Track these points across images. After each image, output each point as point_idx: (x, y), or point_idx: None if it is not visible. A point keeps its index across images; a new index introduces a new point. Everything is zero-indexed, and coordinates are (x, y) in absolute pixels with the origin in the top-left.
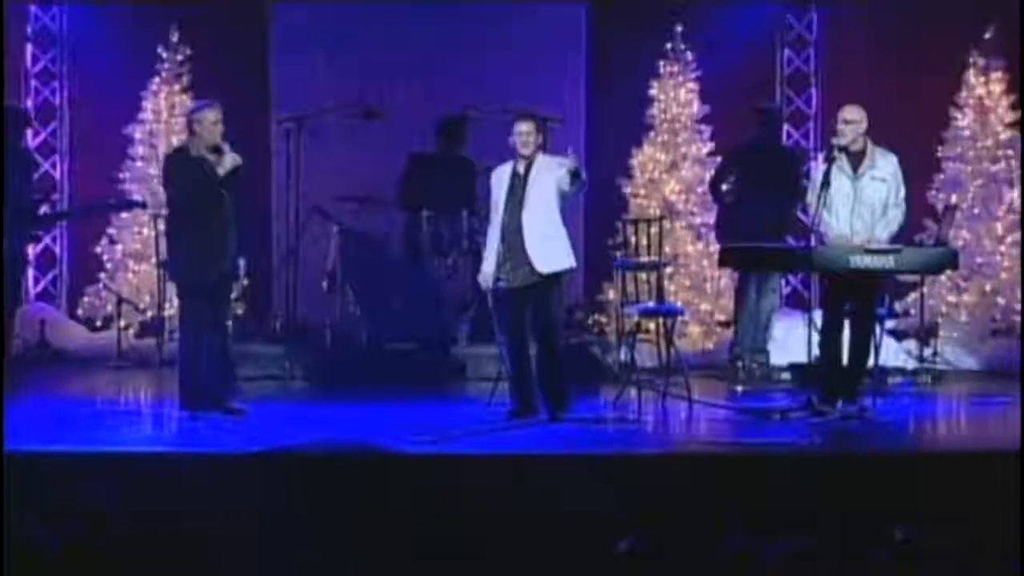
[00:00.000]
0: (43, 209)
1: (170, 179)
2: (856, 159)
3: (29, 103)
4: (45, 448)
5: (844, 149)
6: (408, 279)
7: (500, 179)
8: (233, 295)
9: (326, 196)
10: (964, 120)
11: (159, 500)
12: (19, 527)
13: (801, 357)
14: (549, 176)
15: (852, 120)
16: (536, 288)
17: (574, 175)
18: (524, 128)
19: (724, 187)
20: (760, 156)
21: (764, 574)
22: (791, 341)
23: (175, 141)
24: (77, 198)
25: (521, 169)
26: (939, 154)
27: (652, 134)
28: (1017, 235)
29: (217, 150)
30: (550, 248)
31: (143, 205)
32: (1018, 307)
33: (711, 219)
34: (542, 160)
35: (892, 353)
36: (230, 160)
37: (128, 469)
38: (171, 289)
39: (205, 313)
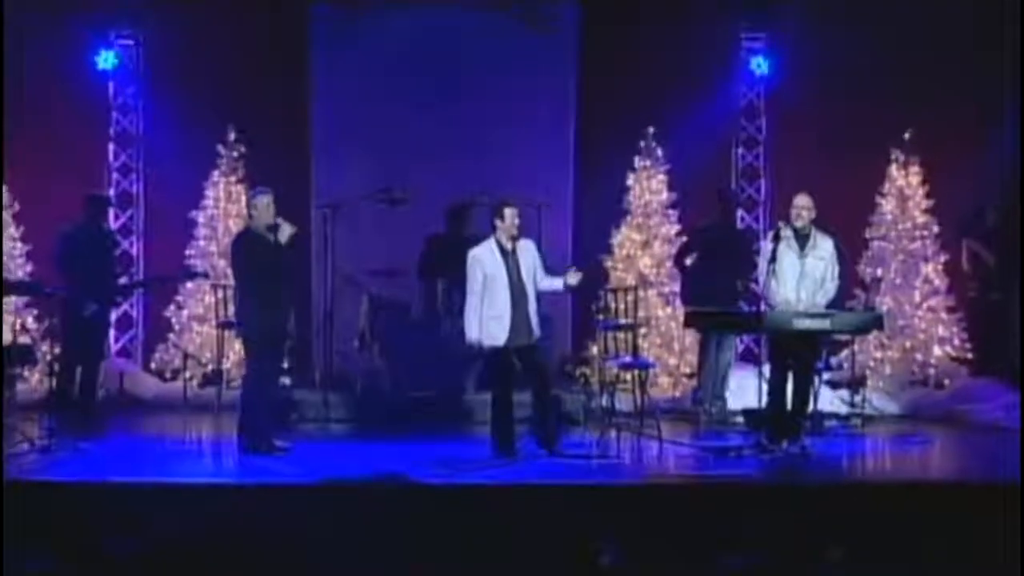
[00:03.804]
0: (123, 280)
1: (238, 255)
2: (802, 240)
3: (111, 192)
4: (125, 479)
5: (796, 231)
6: (426, 338)
7: (492, 257)
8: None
9: (357, 269)
10: (887, 206)
11: (218, 523)
12: (101, 545)
13: (753, 403)
14: (532, 257)
15: (808, 207)
16: (533, 347)
17: (571, 287)
18: (515, 212)
19: (688, 261)
20: (718, 235)
21: None
22: (744, 390)
23: (232, 224)
24: (151, 271)
25: (508, 247)
26: (867, 234)
27: (629, 217)
28: (932, 302)
29: (273, 228)
30: (538, 318)
31: (205, 275)
32: (933, 362)
33: (678, 288)
34: (524, 242)
35: (828, 400)
36: (287, 229)
37: (192, 497)
38: (228, 345)
39: (267, 365)
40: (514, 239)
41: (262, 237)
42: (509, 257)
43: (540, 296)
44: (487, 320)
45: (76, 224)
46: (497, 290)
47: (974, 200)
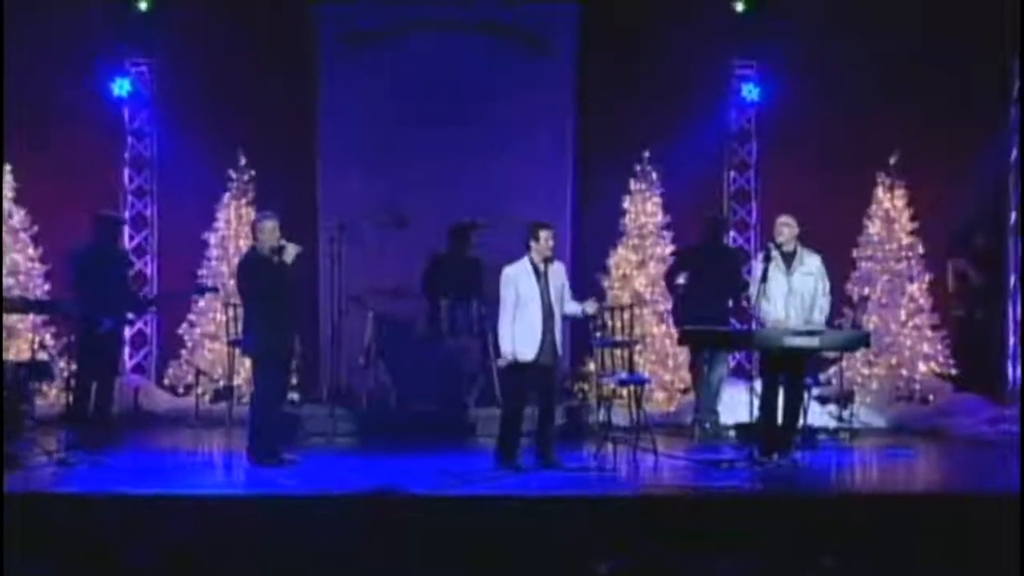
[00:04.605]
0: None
1: (244, 275)
2: (789, 259)
3: (126, 214)
4: (139, 490)
5: (780, 247)
6: (429, 355)
7: (526, 274)
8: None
9: (363, 288)
10: (874, 228)
11: (229, 533)
12: (115, 554)
13: (745, 417)
14: (561, 279)
15: (788, 223)
16: (552, 366)
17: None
18: (550, 234)
19: (679, 280)
20: (706, 255)
21: None
22: (736, 405)
23: (243, 245)
24: (164, 289)
25: (542, 268)
26: (854, 255)
27: (625, 238)
28: (917, 320)
29: (278, 250)
30: (562, 337)
31: (215, 290)
32: (918, 378)
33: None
34: (556, 264)
35: (817, 415)
36: (292, 250)
37: (203, 508)
38: (239, 362)
39: (274, 381)
40: (547, 260)
41: (267, 259)
42: (542, 278)
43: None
44: (518, 336)
45: (88, 244)
46: (529, 309)
47: (962, 221)
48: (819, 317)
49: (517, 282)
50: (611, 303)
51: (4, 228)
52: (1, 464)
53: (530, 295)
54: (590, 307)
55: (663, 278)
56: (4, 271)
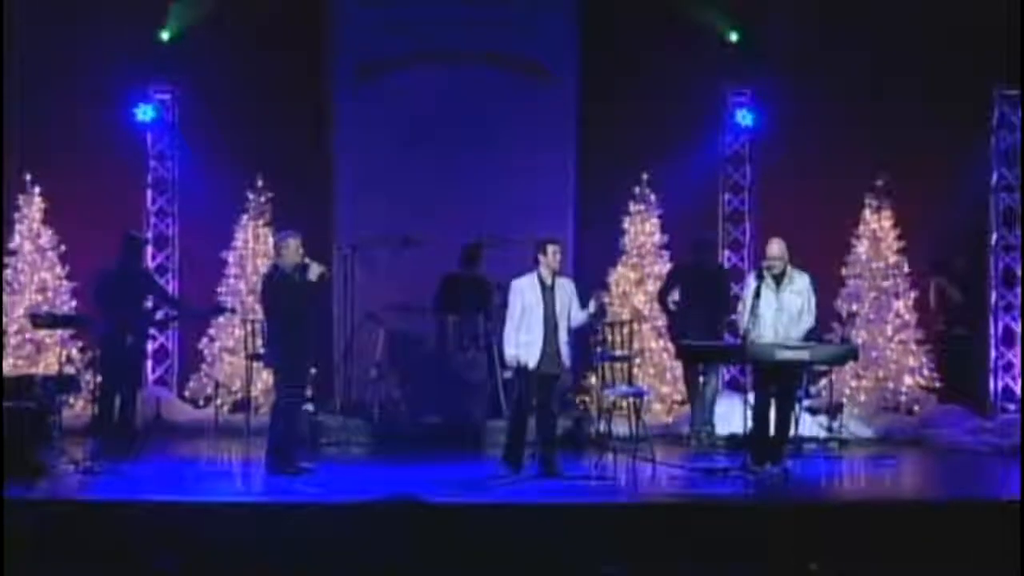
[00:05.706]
0: (159, 315)
1: (267, 292)
2: (778, 278)
3: (149, 234)
4: (162, 498)
5: (771, 273)
6: (438, 368)
7: (532, 287)
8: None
9: (375, 305)
10: (862, 247)
11: (247, 539)
12: (139, 559)
13: (738, 428)
14: (568, 293)
15: (779, 257)
16: (554, 376)
17: (598, 314)
18: (557, 249)
19: (671, 298)
20: (697, 275)
21: None
22: (731, 416)
23: (260, 263)
24: (185, 306)
25: (548, 281)
26: (843, 273)
27: (624, 257)
28: (902, 335)
29: (301, 268)
30: (568, 349)
31: (233, 311)
32: (903, 390)
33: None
34: (564, 279)
35: (808, 425)
36: (316, 269)
37: (223, 515)
38: (256, 374)
39: (293, 393)
40: (555, 275)
41: (290, 276)
42: (548, 291)
43: (570, 329)
44: (521, 344)
45: (113, 264)
46: (533, 320)
47: (942, 243)
48: (798, 333)
49: (524, 293)
50: (611, 319)
51: (33, 247)
52: (0, 468)
53: (534, 307)
54: (592, 306)
55: (657, 295)
56: (33, 288)
